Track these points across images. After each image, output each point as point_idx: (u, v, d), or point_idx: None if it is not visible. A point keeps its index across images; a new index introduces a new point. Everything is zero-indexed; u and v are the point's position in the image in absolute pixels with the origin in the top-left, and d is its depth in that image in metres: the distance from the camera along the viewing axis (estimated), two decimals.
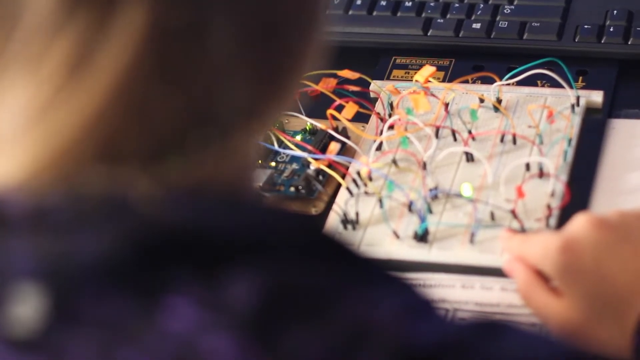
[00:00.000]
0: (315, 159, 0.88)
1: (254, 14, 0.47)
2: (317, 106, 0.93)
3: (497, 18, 1.02)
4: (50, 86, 0.44)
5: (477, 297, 0.78)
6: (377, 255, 0.80)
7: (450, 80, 0.97)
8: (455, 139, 0.90)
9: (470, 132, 0.90)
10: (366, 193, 0.86)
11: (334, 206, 0.86)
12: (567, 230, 0.72)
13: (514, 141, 0.89)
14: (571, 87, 0.92)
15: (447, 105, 0.92)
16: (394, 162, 0.89)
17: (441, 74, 0.99)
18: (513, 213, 0.82)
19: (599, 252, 0.70)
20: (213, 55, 0.46)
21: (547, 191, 0.84)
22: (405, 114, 0.91)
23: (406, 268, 0.81)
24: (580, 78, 0.96)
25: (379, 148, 0.90)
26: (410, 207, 0.84)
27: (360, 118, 0.92)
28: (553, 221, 0.82)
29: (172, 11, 0.44)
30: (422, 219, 0.82)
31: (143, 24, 0.44)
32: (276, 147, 0.90)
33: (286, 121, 0.94)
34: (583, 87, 0.95)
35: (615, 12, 1.00)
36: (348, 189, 0.87)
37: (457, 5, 1.04)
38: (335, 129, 0.91)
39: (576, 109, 0.91)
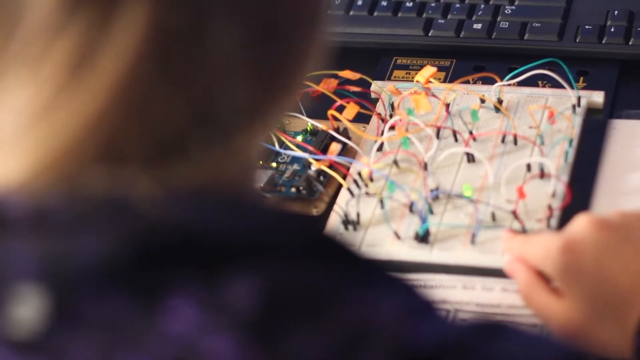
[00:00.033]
0: (316, 160, 0.88)
1: (255, 14, 0.47)
2: (318, 107, 0.93)
3: (498, 18, 1.02)
4: (51, 86, 0.44)
5: (478, 297, 0.78)
6: (378, 256, 0.80)
7: (451, 81, 0.97)
8: (456, 140, 0.90)
9: (471, 132, 0.90)
10: (367, 194, 0.86)
11: (335, 207, 0.86)
12: (568, 230, 0.72)
13: (515, 142, 0.89)
14: (572, 87, 0.92)
15: (448, 105, 0.92)
16: (395, 162, 0.89)
17: (442, 75, 0.99)
18: (514, 214, 0.82)
19: (600, 252, 0.70)
20: (214, 55, 0.46)
21: (548, 192, 0.84)
22: (406, 115, 0.91)
23: (407, 269, 0.81)
24: (581, 78, 0.96)
25: (380, 149, 0.90)
26: (411, 207, 0.84)
27: (361, 119, 0.92)
28: (554, 222, 0.82)
29: (173, 11, 0.44)
30: (423, 220, 0.82)
31: (144, 24, 0.44)
32: (277, 147, 0.90)
33: (287, 122, 0.94)
34: (584, 88, 0.95)
35: (616, 12, 1.00)
36: (349, 189, 0.87)
37: (458, 5, 1.04)
38: (336, 130, 0.91)
39: (577, 109, 0.91)
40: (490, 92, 0.93)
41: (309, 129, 0.93)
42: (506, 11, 1.03)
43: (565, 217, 0.80)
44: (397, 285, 0.49)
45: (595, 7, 1.02)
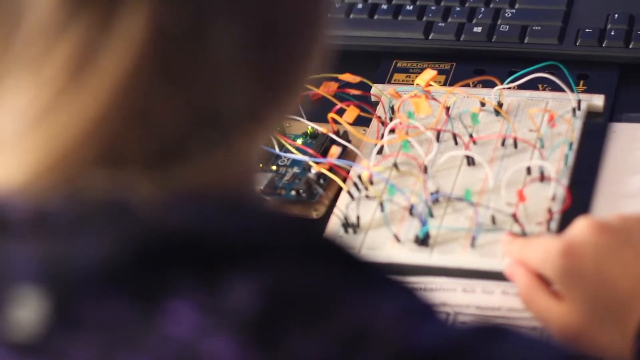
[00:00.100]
0: (316, 163, 0.88)
1: (255, 15, 0.47)
2: (318, 110, 0.93)
3: (498, 22, 1.02)
4: (52, 88, 0.44)
5: (478, 300, 0.78)
6: (378, 259, 0.80)
7: (451, 84, 0.97)
8: (456, 143, 0.90)
9: (471, 135, 0.90)
10: (367, 197, 0.86)
11: (335, 210, 0.86)
12: (568, 234, 0.72)
13: (515, 145, 0.89)
14: (572, 90, 0.92)
15: (448, 109, 0.92)
16: (395, 165, 0.89)
17: (442, 78, 0.99)
18: (514, 217, 0.82)
19: (600, 256, 0.70)
20: (214, 56, 0.46)
21: (548, 195, 0.84)
22: (406, 118, 0.91)
23: (407, 272, 0.81)
24: (582, 82, 0.96)
25: (380, 152, 0.90)
26: (411, 210, 0.84)
27: (361, 122, 0.92)
28: (554, 225, 0.82)
29: (174, 12, 0.44)
30: (423, 223, 0.82)
31: (145, 25, 0.44)
32: (277, 150, 0.90)
33: (287, 125, 0.94)
34: (584, 91, 0.95)
35: (616, 15, 1.00)
36: (349, 192, 0.87)
37: (458, 9, 1.04)
38: (336, 133, 0.91)
39: (577, 112, 0.91)
40: (491, 95, 0.93)
41: (309, 131, 0.93)
42: (506, 14, 1.03)
43: (565, 220, 0.80)
44: (397, 288, 0.49)
45: (596, 11, 1.02)
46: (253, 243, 0.46)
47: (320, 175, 0.88)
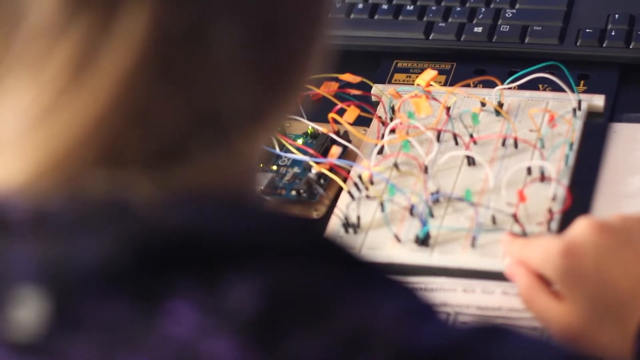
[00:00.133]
0: (317, 163, 0.88)
1: (255, 14, 0.47)
2: (319, 110, 0.93)
3: (499, 22, 1.02)
4: (52, 88, 0.44)
5: (478, 301, 0.78)
6: (378, 259, 0.80)
7: (451, 84, 0.97)
8: (456, 143, 0.90)
9: (471, 135, 0.90)
10: (367, 197, 0.86)
11: (336, 210, 0.86)
12: (568, 234, 0.72)
13: (516, 145, 0.89)
14: (573, 91, 0.92)
15: (448, 109, 0.92)
16: (396, 165, 0.89)
17: (442, 78, 0.99)
18: (514, 217, 0.82)
19: (600, 256, 0.70)
20: (215, 55, 0.46)
21: (549, 195, 0.84)
22: (406, 118, 0.91)
23: (407, 272, 0.81)
24: (582, 82, 0.96)
25: (380, 152, 0.90)
26: (411, 210, 0.84)
27: (362, 122, 0.92)
28: (554, 225, 0.82)
29: (175, 12, 0.44)
30: (424, 223, 0.82)
31: (145, 25, 0.44)
32: (277, 150, 0.90)
33: (288, 125, 0.94)
34: (584, 91, 0.95)
35: (617, 16, 1.00)
36: (349, 192, 0.87)
37: (458, 9, 1.04)
38: (337, 133, 0.91)
39: (578, 112, 0.91)
40: (491, 95, 0.93)
41: (309, 132, 0.93)
42: (507, 14, 1.03)
43: (566, 220, 0.80)
44: (397, 288, 0.49)
45: (596, 11, 1.02)
46: (253, 243, 0.46)
47: (320, 175, 0.88)
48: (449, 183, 0.87)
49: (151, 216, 0.44)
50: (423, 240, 0.82)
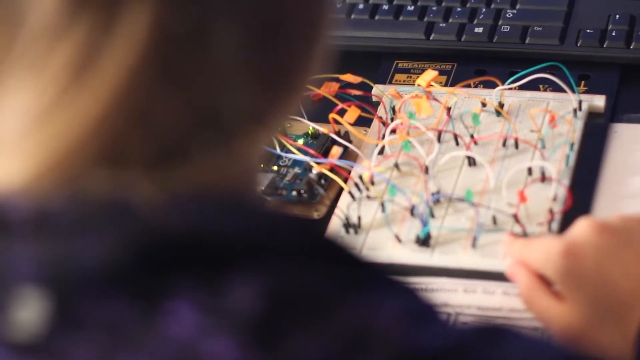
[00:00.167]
0: (318, 163, 0.88)
1: (256, 15, 0.47)
2: (320, 110, 0.93)
3: (500, 22, 1.02)
4: (54, 88, 0.44)
5: (479, 301, 0.78)
6: (379, 259, 0.80)
7: (452, 85, 0.97)
8: (457, 143, 0.90)
9: (472, 136, 0.90)
10: (368, 197, 0.86)
11: (336, 210, 0.86)
12: (569, 234, 0.72)
13: (516, 145, 0.89)
14: (573, 91, 0.92)
15: (449, 109, 0.92)
16: (396, 166, 0.89)
17: (443, 78, 0.99)
18: (515, 217, 0.82)
19: (601, 256, 0.70)
20: (215, 56, 0.46)
21: (549, 195, 0.84)
22: (407, 118, 0.91)
23: (408, 272, 0.81)
24: (583, 82, 0.96)
25: (381, 152, 0.90)
26: (412, 211, 0.84)
27: (363, 122, 0.92)
28: (555, 225, 0.82)
29: (176, 13, 0.44)
30: (424, 223, 0.82)
31: (147, 26, 0.44)
32: (278, 151, 0.90)
33: (288, 125, 0.94)
34: (585, 92, 0.95)
35: (617, 16, 1.00)
36: (350, 193, 0.87)
37: (459, 9, 1.04)
38: (338, 133, 0.91)
39: (578, 113, 0.91)
40: (492, 95, 0.93)
41: (310, 132, 0.93)
42: (507, 15, 1.03)
43: (567, 220, 0.80)
44: (398, 289, 0.49)
45: (597, 11, 1.02)
46: (253, 243, 0.46)
47: (321, 175, 0.88)
48: (450, 183, 0.87)
49: (152, 216, 0.44)
50: (424, 241, 0.82)
